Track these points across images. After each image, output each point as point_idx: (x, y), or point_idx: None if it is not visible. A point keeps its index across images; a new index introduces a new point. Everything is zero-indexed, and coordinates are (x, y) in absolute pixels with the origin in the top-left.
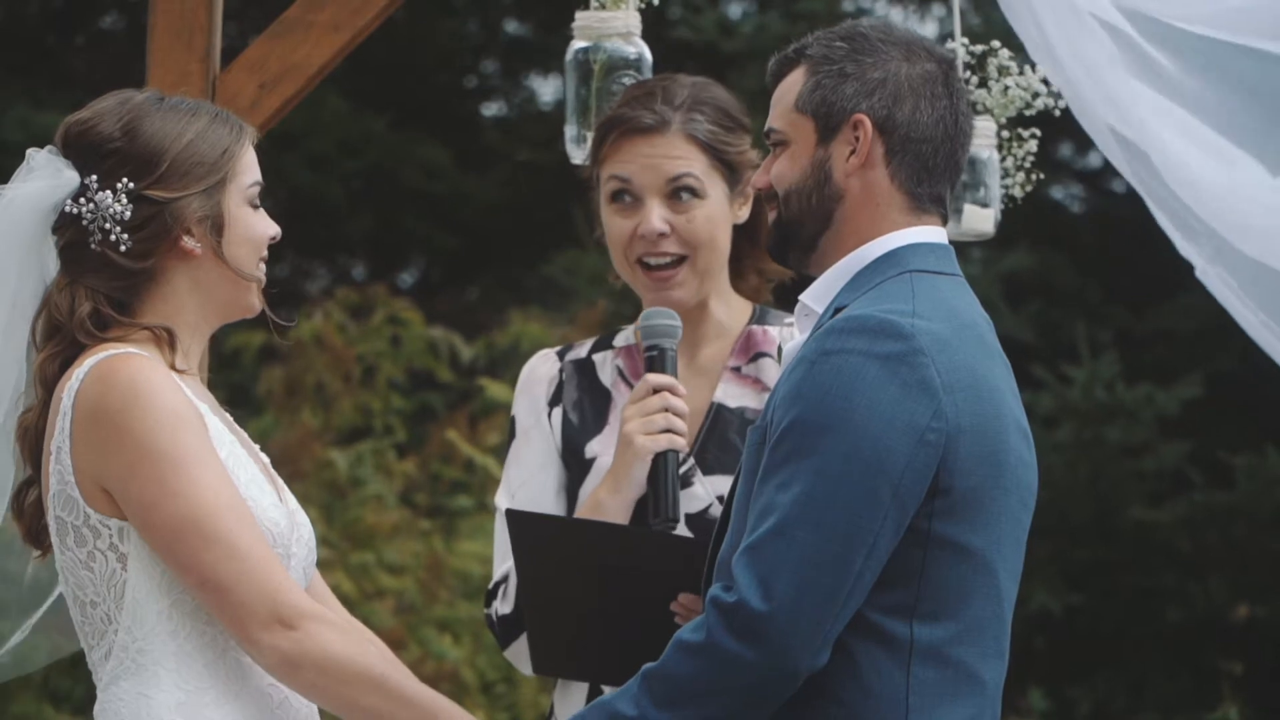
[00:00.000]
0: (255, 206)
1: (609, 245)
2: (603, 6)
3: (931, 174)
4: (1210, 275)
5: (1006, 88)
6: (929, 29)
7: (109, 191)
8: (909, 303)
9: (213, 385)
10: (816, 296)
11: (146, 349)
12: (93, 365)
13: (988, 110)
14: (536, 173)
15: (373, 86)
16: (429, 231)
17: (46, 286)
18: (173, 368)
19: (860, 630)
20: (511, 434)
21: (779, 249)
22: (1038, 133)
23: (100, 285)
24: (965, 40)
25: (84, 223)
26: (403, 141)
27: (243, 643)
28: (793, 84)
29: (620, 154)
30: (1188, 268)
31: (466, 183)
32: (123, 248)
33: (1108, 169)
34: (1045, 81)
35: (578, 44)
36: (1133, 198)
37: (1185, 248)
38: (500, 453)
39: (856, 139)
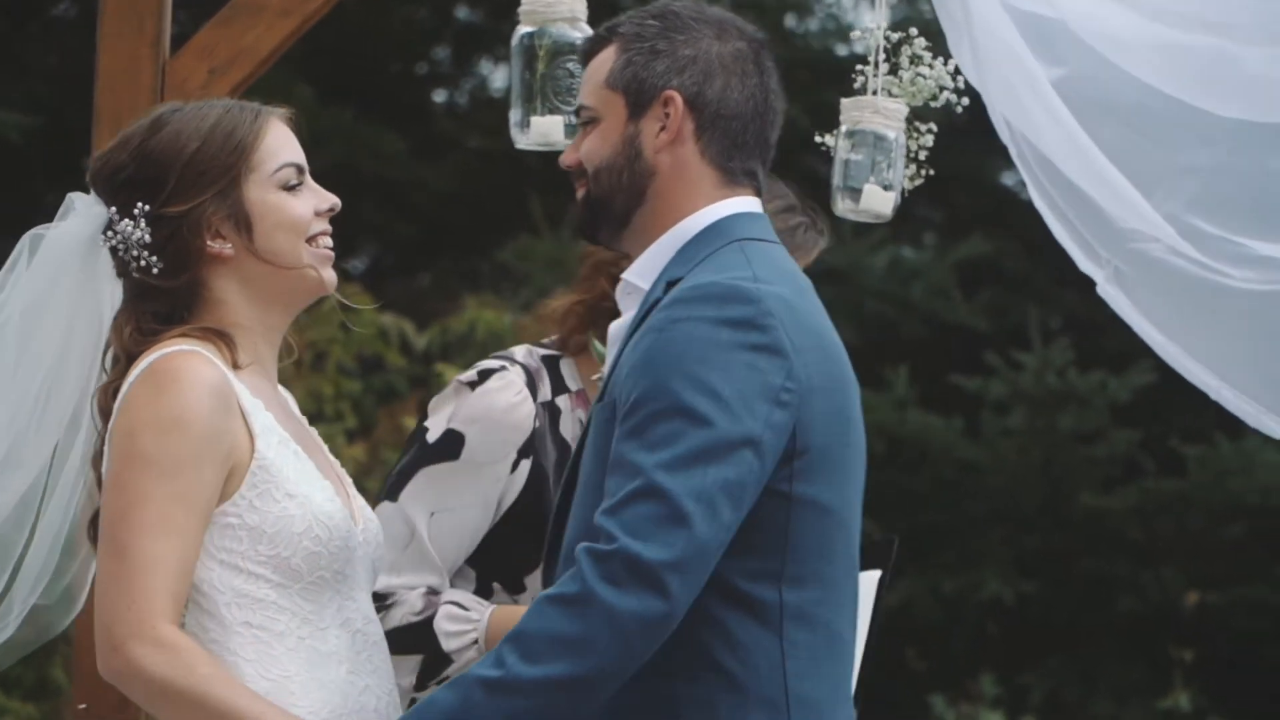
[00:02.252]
0: (290, 188)
1: None
2: None
3: (742, 150)
4: (1110, 292)
5: (917, 76)
6: (882, 18)
7: (128, 220)
8: (747, 269)
9: None
10: (641, 273)
11: (205, 346)
12: (155, 358)
13: (900, 97)
14: (489, 159)
15: (324, 72)
16: (381, 218)
17: (103, 319)
18: (235, 365)
19: (732, 600)
20: (447, 446)
21: (589, 226)
22: (934, 127)
23: (152, 307)
24: (884, 25)
25: (119, 254)
26: (355, 128)
27: (97, 646)
28: (604, 61)
29: None
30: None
31: (419, 169)
32: (155, 270)
33: None
34: (955, 75)
35: (523, 29)
36: None
37: (1086, 265)
38: None
39: (667, 115)
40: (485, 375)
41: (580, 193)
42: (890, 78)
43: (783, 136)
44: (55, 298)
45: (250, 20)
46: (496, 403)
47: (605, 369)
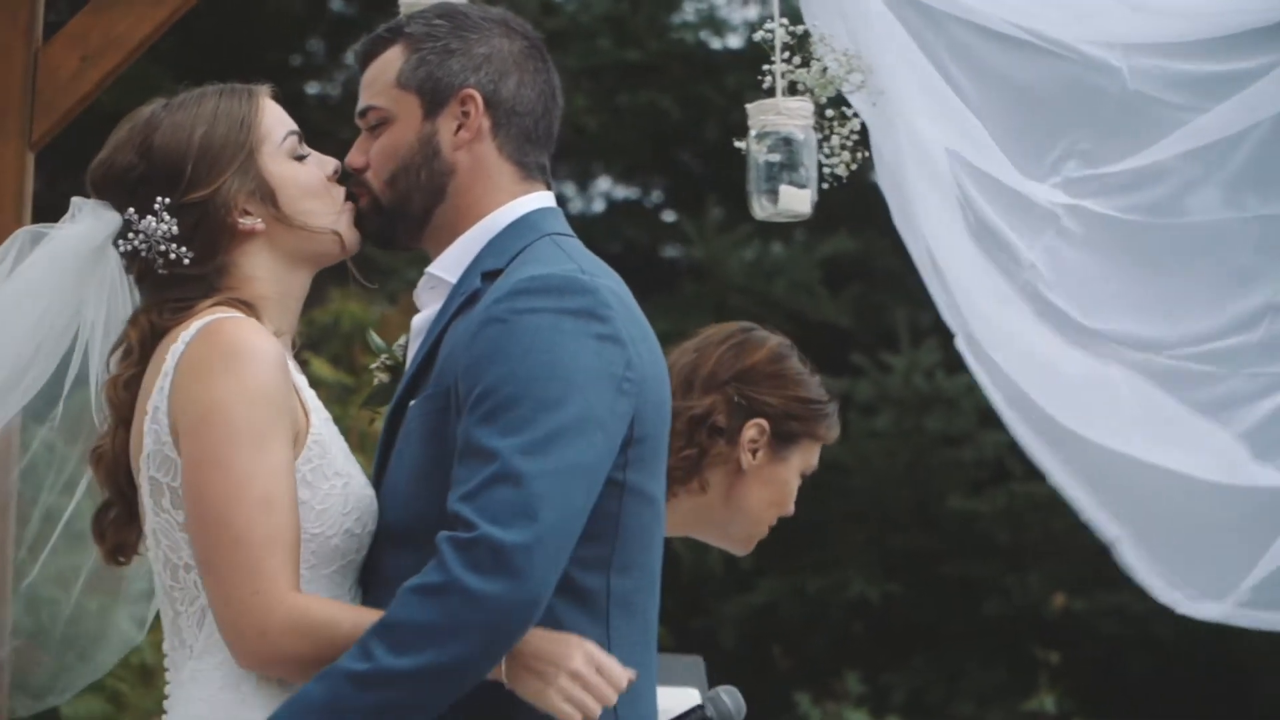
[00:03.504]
0: (300, 158)
1: None
2: None
3: (534, 144)
4: (965, 350)
5: (825, 69)
6: (751, 12)
7: (150, 217)
8: (570, 262)
9: None
10: (448, 266)
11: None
12: (200, 327)
13: (809, 90)
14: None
15: (199, 64)
16: None
17: (79, 319)
18: None
19: (562, 588)
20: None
21: (384, 231)
22: (859, 113)
23: (178, 294)
24: (785, 21)
25: (142, 255)
26: None
27: (222, 635)
28: (390, 62)
29: None
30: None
31: None
32: (187, 260)
33: None
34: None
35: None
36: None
37: (947, 316)
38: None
39: (465, 113)
40: None
41: (363, 201)
42: (801, 70)
43: (658, 131)
44: (47, 296)
45: (124, 8)
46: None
47: (409, 359)
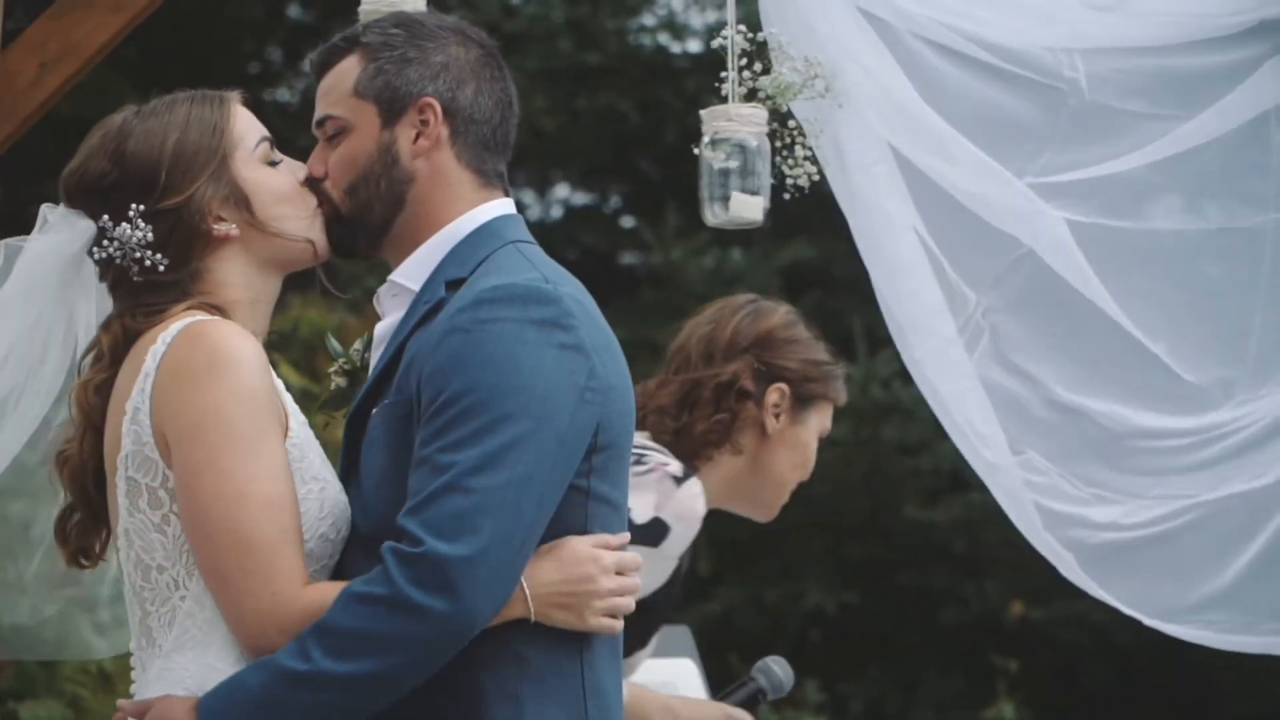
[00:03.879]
0: (273, 163)
1: None
2: None
3: (492, 152)
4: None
5: (780, 74)
6: (711, 16)
7: (125, 224)
8: (534, 270)
9: None
10: (410, 274)
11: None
12: (181, 329)
13: (770, 98)
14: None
15: (159, 71)
16: None
17: (77, 335)
18: None
19: None
20: (651, 532)
21: (345, 240)
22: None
23: (150, 300)
24: (743, 28)
25: (117, 262)
26: None
27: (236, 636)
28: (347, 71)
29: None
30: None
31: None
32: (162, 267)
33: None
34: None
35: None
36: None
37: (899, 340)
38: None
39: (423, 122)
40: (687, 476)
41: (323, 210)
42: (764, 78)
43: (616, 135)
44: (37, 309)
45: (82, 15)
46: (698, 509)
47: (372, 366)
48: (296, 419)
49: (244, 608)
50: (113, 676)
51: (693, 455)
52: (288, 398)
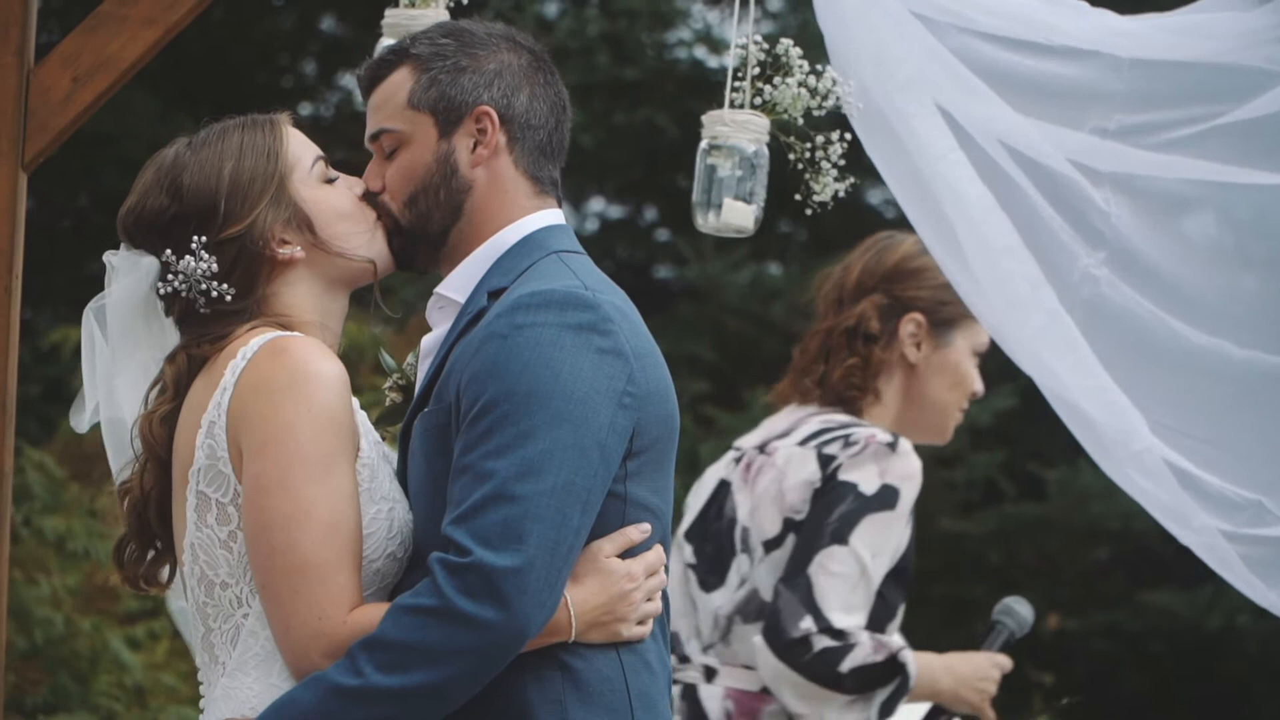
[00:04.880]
0: (330, 181)
1: None
2: (412, 4)
3: (548, 157)
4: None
5: (791, 85)
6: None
7: (189, 257)
8: (575, 278)
9: (31, 379)
10: (456, 287)
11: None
12: (261, 344)
13: (784, 110)
14: (354, 173)
15: (189, 86)
16: None
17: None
18: None
19: None
20: (885, 498)
21: (407, 251)
22: (848, 135)
23: (216, 330)
24: (759, 39)
25: (183, 295)
26: None
27: (282, 655)
28: (399, 84)
29: None
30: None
31: None
32: (229, 297)
33: None
34: (833, 83)
35: (386, 42)
36: None
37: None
38: None
39: (481, 130)
40: (895, 438)
41: (383, 224)
42: (783, 86)
43: (652, 150)
44: (129, 353)
45: (115, 29)
46: (915, 464)
47: (419, 380)
48: (368, 439)
49: (291, 629)
50: (145, 692)
51: (843, 403)
52: (362, 416)
